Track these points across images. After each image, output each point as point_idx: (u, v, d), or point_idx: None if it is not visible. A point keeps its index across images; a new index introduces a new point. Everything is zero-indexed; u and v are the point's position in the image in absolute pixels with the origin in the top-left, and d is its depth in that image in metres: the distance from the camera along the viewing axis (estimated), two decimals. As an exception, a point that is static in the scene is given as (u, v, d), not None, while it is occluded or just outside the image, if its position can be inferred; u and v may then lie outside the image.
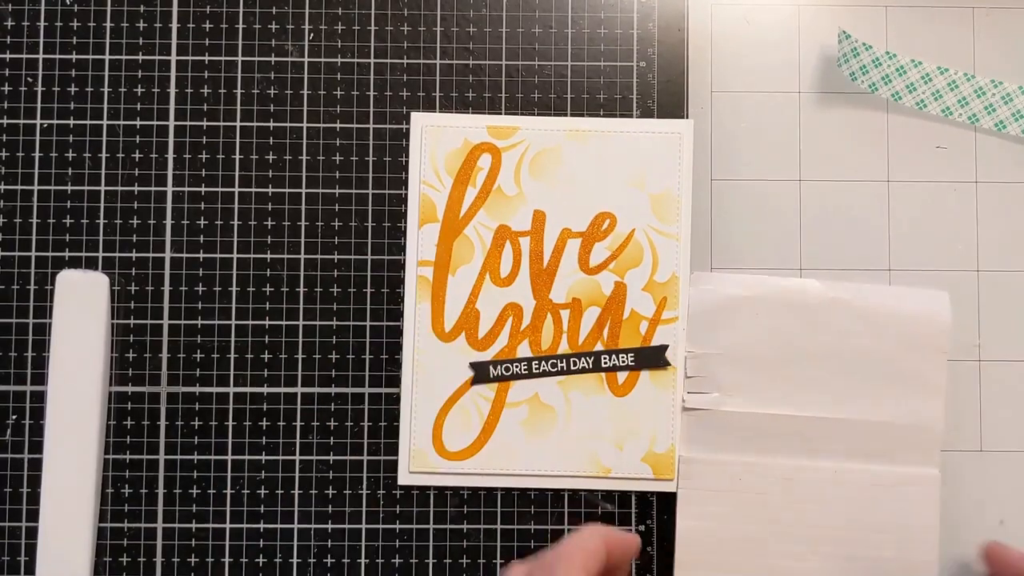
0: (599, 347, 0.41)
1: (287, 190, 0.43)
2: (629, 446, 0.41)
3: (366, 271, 0.42)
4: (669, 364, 0.41)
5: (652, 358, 0.41)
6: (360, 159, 0.43)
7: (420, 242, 0.42)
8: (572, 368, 0.41)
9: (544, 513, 0.42)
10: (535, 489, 0.42)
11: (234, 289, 0.42)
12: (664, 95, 0.43)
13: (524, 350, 0.41)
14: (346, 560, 0.42)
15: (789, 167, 0.43)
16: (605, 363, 0.41)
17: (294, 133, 0.43)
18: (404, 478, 0.41)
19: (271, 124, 0.43)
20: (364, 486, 0.42)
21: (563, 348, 0.41)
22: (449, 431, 0.41)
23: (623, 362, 0.41)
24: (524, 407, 0.41)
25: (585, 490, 0.42)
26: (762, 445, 0.41)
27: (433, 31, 0.43)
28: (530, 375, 0.41)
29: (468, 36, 0.43)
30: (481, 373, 0.41)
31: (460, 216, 0.42)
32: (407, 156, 0.42)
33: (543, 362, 0.41)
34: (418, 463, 0.41)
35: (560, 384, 0.41)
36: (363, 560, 0.42)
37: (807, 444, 0.41)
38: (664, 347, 0.41)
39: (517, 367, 0.41)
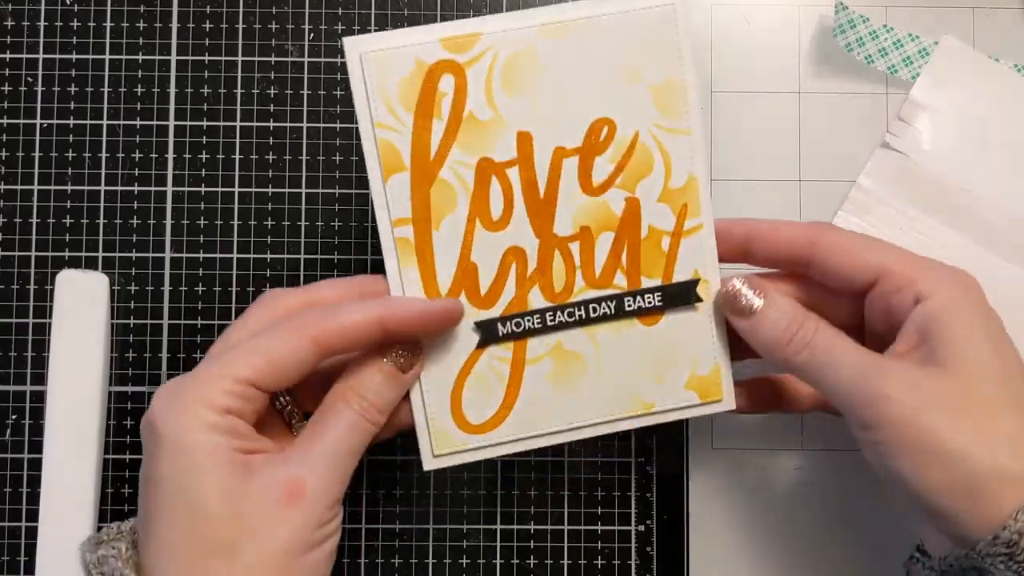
0: (619, 278, 0.36)
1: (287, 190, 0.43)
2: (670, 376, 0.36)
3: (366, 271, 0.42)
4: (700, 299, 0.36)
5: (681, 295, 0.36)
6: (360, 159, 0.43)
7: (390, 198, 0.34)
8: (592, 315, 0.35)
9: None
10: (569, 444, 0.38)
11: (234, 289, 0.42)
12: (664, 95, 0.43)
13: (536, 297, 0.36)
14: (346, 560, 0.42)
15: (789, 166, 0.43)
16: (629, 306, 0.36)
17: (294, 133, 0.43)
18: (429, 463, 0.36)
19: (271, 124, 0.43)
20: (364, 485, 0.42)
21: (579, 285, 0.36)
22: (469, 404, 0.36)
23: (649, 303, 0.36)
24: (547, 361, 0.36)
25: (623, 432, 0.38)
26: (950, 214, 0.42)
27: (433, 31, 0.43)
28: (545, 329, 0.35)
29: (468, 36, 0.43)
30: (489, 333, 0.35)
31: (431, 158, 0.35)
32: (349, 92, 0.34)
33: (559, 312, 0.35)
34: (442, 444, 0.36)
35: (583, 327, 0.36)
36: (363, 560, 0.42)
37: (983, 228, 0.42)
38: (694, 282, 0.36)
39: (530, 321, 0.35)
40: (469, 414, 0.36)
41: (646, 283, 0.36)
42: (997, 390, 0.31)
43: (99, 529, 0.41)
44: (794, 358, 0.34)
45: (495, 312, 0.35)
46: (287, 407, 0.35)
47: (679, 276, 0.36)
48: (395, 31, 0.34)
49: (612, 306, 0.36)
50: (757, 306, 0.35)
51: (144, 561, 0.32)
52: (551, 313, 0.35)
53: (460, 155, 0.35)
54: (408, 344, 0.34)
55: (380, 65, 0.34)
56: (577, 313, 0.36)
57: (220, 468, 0.31)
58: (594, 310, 0.36)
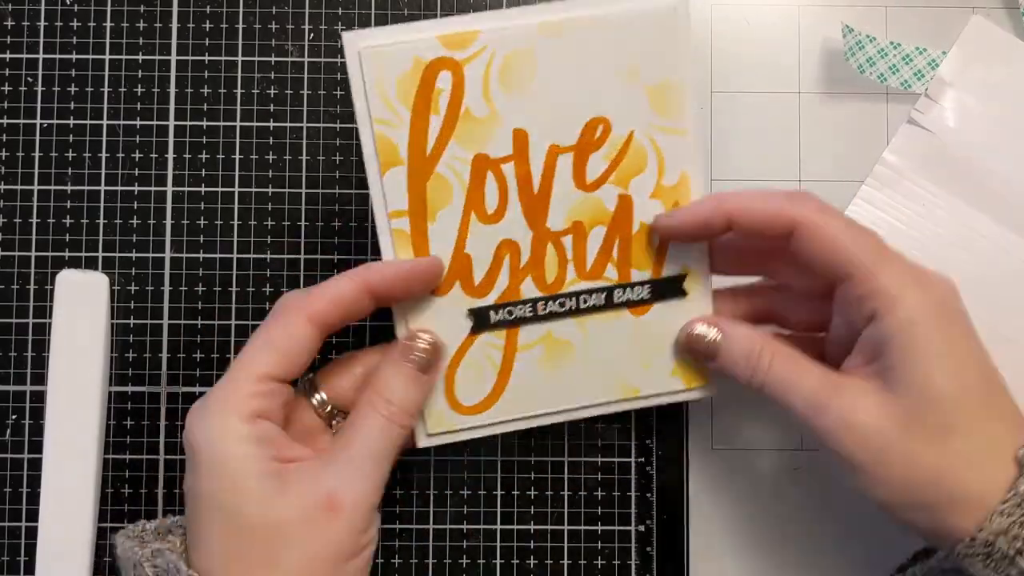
0: (610, 270, 0.37)
1: (287, 190, 0.43)
2: (657, 363, 0.37)
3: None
4: (686, 293, 0.37)
5: (669, 289, 0.37)
6: (359, 159, 0.43)
7: (387, 191, 0.35)
8: (583, 306, 0.37)
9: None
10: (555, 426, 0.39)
11: (234, 289, 0.42)
12: (664, 95, 0.43)
13: (529, 288, 0.36)
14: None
15: (789, 167, 0.43)
16: (618, 298, 0.37)
17: (294, 133, 0.43)
18: (422, 441, 0.37)
19: (271, 124, 0.43)
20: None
21: (571, 277, 0.36)
22: (462, 387, 0.37)
23: (637, 295, 0.37)
24: (538, 347, 0.37)
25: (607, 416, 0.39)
26: (974, 192, 0.42)
27: (433, 31, 0.43)
28: (535, 318, 0.36)
29: (468, 36, 0.43)
30: (481, 320, 0.36)
31: (428, 153, 0.35)
32: (348, 91, 0.35)
33: (550, 302, 0.36)
34: (435, 424, 0.37)
35: (573, 316, 0.37)
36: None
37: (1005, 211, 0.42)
38: (682, 277, 0.37)
39: (521, 310, 0.36)
40: (461, 396, 0.37)
41: (636, 276, 0.37)
42: (947, 413, 0.31)
43: (124, 523, 0.41)
44: (757, 389, 0.35)
45: (488, 301, 0.36)
46: (327, 407, 0.36)
47: (668, 271, 0.37)
48: (393, 27, 0.34)
49: (602, 297, 0.37)
50: (714, 339, 0.36)
51: (194, 567, 0.32)
52: (543, 303, 0.37)
53: (457, 150, 0.35)
54: (427, 345, 0.35)
55: (378, 61, 0.34)
56: (568, 303, 0.37)
57: (254, 480, 0.32)
58: (584, 301, 0.37)
